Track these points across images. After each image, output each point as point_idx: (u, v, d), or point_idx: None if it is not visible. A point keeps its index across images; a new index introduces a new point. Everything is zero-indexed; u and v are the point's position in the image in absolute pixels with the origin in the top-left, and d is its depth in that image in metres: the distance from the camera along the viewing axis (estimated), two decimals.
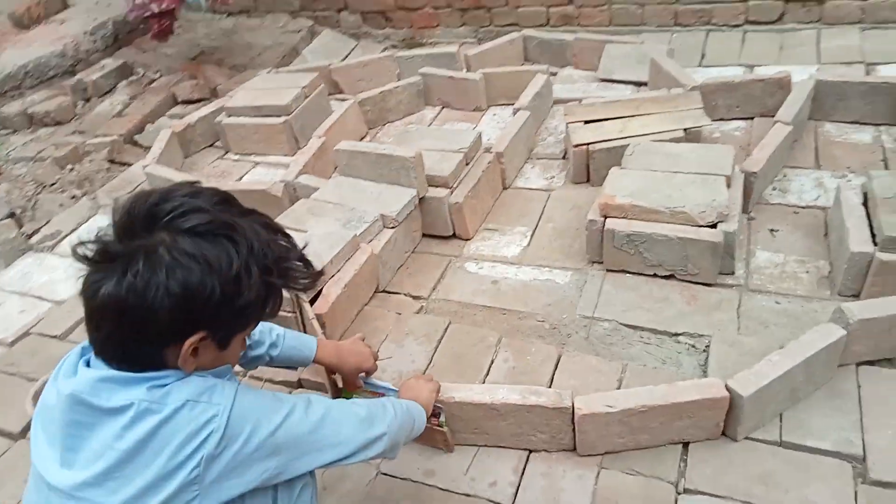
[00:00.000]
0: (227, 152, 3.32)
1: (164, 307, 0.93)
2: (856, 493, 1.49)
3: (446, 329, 2.07)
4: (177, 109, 3.77)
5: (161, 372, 1.00)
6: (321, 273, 1.18)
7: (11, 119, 3.63)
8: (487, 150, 2.65)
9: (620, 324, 2.02)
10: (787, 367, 1.56)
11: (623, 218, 2.13)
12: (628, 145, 2.44)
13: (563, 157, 2.84)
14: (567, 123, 2.70)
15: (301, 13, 4.57)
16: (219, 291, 0.95)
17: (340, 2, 4.44)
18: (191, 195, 1.01)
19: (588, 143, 2.56)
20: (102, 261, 0.95)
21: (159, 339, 0.97)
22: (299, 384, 1.94)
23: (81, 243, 0.96)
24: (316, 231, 2.19)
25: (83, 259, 0.96)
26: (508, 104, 3.15)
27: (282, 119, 3.11)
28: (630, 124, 2.61)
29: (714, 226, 2.04)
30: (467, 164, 2.54)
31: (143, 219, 0.96)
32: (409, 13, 4.30)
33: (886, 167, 2.44)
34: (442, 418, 1.65)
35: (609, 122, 2.65)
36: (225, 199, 1.05)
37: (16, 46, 4.07)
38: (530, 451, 1.69)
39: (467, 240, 2.47)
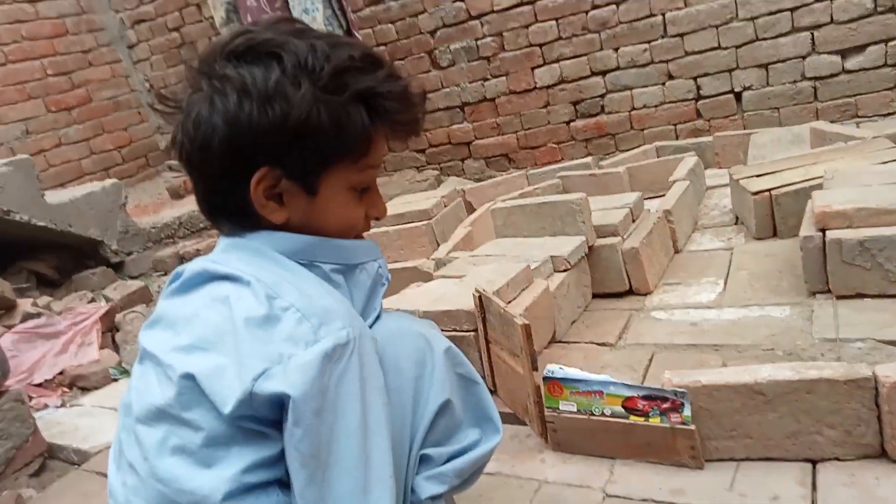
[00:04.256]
0: None
1: (213, 142, 0.84)
2: None
3: (651, 359, 1.71)
4: None
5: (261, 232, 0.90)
6: (423, 95, 0.92)
7: (164, 260, 3.79)
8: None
9: (879, 341, 1.60)
10: None
11: (847, 227, 1.79)
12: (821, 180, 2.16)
13: (736, 223, 2.56)
14: (737, 180, 2.47)
15: (427, 167, 4.76)
16: (256, 113, 0.82)
17: (464, 151, 4.61)
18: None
19: (770, 189, 2.30)
20: (168, 111, 0.90)
21: (229, 184, 0.87)
22: None
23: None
24: (480, 272, 1.96)
25: (157, 111, 0.92)
26: (656, 196, 2.96)
27: (424, 223, 3.05)
28: (813, 169, 2.35)
29: None
30: (633, 222, 2.32)
31: (204, 59, 0.88)
32: (531, 151, 4.38)
33: None
34: (686, 412, 1.25)
35: (787, 171, 2.40)
36: (289, 21, 0.92)
37: (172, 207, 4.39)
38: (815, 463, 1.23)
39: (646, 294, 2.15)
